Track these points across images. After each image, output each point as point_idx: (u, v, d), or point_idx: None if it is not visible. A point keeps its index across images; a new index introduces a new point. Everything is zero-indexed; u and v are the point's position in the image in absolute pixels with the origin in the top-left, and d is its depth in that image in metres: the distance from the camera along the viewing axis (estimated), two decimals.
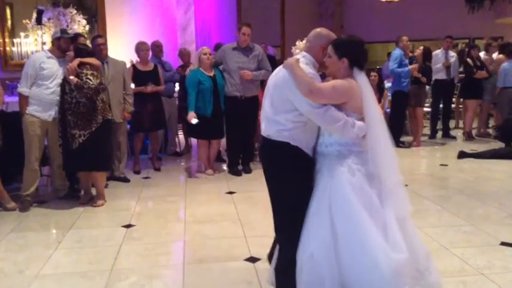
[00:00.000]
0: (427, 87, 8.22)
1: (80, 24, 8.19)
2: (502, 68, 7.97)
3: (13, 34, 8.29)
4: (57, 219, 4.59)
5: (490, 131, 8.75)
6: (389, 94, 7.93)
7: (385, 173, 2.62)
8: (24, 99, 4.81)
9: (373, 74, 7.11)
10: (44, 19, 7.78)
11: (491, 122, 9.11)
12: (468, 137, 8.27)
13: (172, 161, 7.08)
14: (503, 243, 3.74)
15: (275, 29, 10.85)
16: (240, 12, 10.30)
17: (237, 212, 4.65)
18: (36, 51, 7.54)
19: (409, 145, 7.73)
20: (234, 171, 6.12)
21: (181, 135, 7.70)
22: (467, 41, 12.48)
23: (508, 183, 5.57)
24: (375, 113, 2.67)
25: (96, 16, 8.74)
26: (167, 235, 4.15)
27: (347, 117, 2.60)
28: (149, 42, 6.53)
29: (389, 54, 9.38)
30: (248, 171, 6.18)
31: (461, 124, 9.21)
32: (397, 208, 2.61)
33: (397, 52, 7.57)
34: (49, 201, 5.11)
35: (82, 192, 5.18)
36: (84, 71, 4.66)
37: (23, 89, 4.81)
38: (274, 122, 2.70)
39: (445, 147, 7.87)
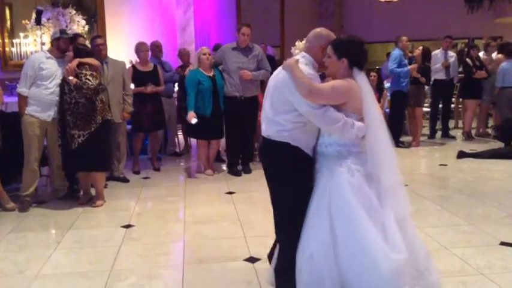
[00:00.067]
0: (426, 87, 8.23)
1: (79, 25, 8.18)
2: (500, 67, 7.97)
3: (12, 34, 8.29)
4: (57, 219, 4.59)
5: (490, 130, 8.76)
6: (388, 94, 7.94)
7: (385, 173, 2.62)
8: (23, 100, 4.80)
9: (372, 74, 7.12)
10: (43, 19, 7.77)
11: (491, 122, 9.11)
12: (467, 136, 8.28)
13: (172, 161, 7.08)
14: (503, 243, 3.74)
15: (275, 29, 10.85)
16: (239, 13, 10.29)
17: (237, 212, 4.65)
18: (36, 52, 7.53)
19: (408, 145, 7.73)
20: (233, 171, 6.12)
21: (180, 136, 7.70)
22: (466, 41, 12.49)
23: (508, 183, 5.57)
24: (375, 113, 2.67)
25: (95, 16, 8.73)
26: (167, 235, 4.14)
27: (346, 117, 2.60)
28: (148, 43, 6.53)
29: (388, 54, 9.38)
30: (248, 171, 6.18)
31: (460, 124, 9.22)
32: (397, 208, 2.61)
33: (396, 52, 7.57)
34: (48, 201, 5.11)
35: (81, 192, 5.17)
36: (84, 72, 4.66)
37: (22, 89, 4.80)
38: (274, 122, 2.71)
39: (445, 147, 7.87)
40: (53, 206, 4.94)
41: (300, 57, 2.78)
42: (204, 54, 5.85)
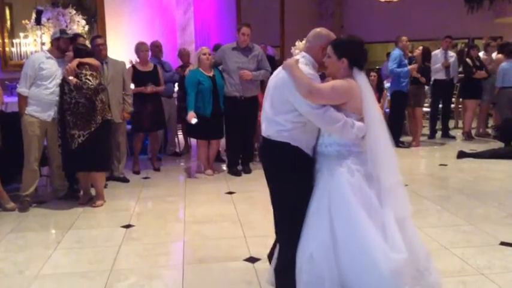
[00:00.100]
0: (426, 87, 8.23)
1: (79, 25, 8.18)
2: (500, 67, 7.97)
3: (12, 34, 8.29)
4: (57, 219, 4.59)
5: (489, 130, 8.76)
6: (388, 94, 7.94)
7: (385, 173, 2.62)
8: (23, 100, 4.80)
9: (372, 74, 7.12)
10: (43, 19, 7.77)
11: (491, 122, 9.11)
12: (467, 136, 8.28)
13: (172, 161, 7.08)
14: (503, 243, 3.74)
15: (275, 29, 10.85)
16: (239, 13, 10.29)
17: (237, 212, 4.65)
18: (36, 52, 7.53)
19: (408, 145, 7.73)
20: (233, 171, 6.12)
21: (180, 136, 7.70)
22: (466, 41, 12.49)
23: (508, 183, 5.57)
24: (375, 113, 2.67)
25: (95, 16, 8.73)
26: (167, 235, 4.14)
27: (346, 117, 2.60)
28: (148, 43, 6.53)
29: (388, 54, 9.38)
30: (248, 171, 6.17)
31: (460, 124, 9.22)
32: (397, 208, 2.61)
33: (396, 52, 7.57)
34: (48, 201, 5.11)
35: (81, 192, 5.17)
36: (84, 72, 4.65)
37: (22, 89, 4.80)
38: (274, 122, 2.70)
39: (445, 147, 7.87)
40: (53, 206, 4.94)
41: (300, 57, 2.77)
42: (204, 54, 5.85)
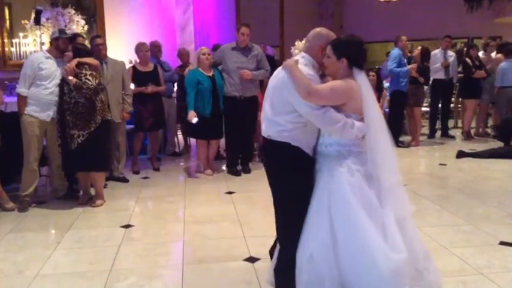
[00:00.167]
0: (425, 87, 8.23)
1: (78, 25, 8.18)
2: (499, 67, 7.98)
3: (12, 34, 8.28)
4: (56, 219, 4.58)
5: (489, 130, 8.76)
6: (387, 94, 7.94)
7: (385, 173, 2.62)
8: (22, 100, 4.80)
9: (371, 73, 7.11)
10: (43, 19, 7.76)
11: (490, 122, 9.12)
12: (467, 136, 8.28)
13: (171, 161, 7.08)
14: (502, 243, 3.74)
15: (274, 29, 10.85)
16: (238, 12, 10.30)
17: (236, 212, 4.65)
18: (35, 52, 7.53)
19: (407, 145, 7.73)
20: (233, 171, 6.12)
21: (180, 136, 7.69)
22: (466, 40, 12.49)
23: (507, 182, 5.58)
24: (375, 113, 2.66)
25: (94, 16, 8.73)
26: (166, 235, 4.14)
27: (346, 118, 2.60)
28: (148, 42, 6.52)
29: (388, 54, 9.38)
30: (247, 171, 6.17)
31: (460, 124, 9.24)
32: (397, 208, 2.61)
33: (395, 52, 7.57)
34: (48, 201, 5.11)
35: (81, 192, 5.17)
36: (83, 72, 4.65)
37: (21, 89, 4.80)
38: (274, 123, 2.70)
39: (444, 146, 7.87)
40: (53, 206, 4.94)
41: (300, 57, 2.77)
42: (204, 54, 5.85)
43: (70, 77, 4.58)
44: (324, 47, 2.71)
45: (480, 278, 3.18)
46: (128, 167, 6.25)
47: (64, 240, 4.04)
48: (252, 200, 5.03)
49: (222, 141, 6.49)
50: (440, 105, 8.52)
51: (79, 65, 4.65)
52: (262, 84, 6.19)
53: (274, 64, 6.34)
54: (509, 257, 3.50)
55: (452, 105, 9.21)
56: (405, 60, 7.60)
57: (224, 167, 6.43)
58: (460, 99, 8.89)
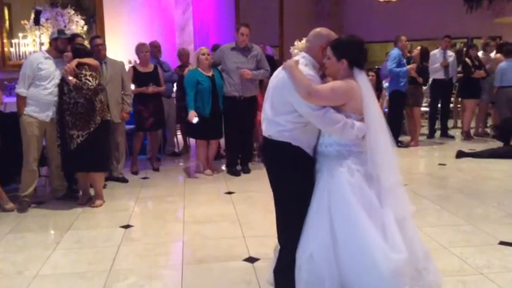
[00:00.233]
0: (424, 87, 8.23)
1: (78, 25, 8.19)
2: (499, 67, 7.98)
3: (11, 35, 8.28)
4: (56, 219, 4.58)
5: (488, 130, 8.77)
6: (386, 94, 7.95)
7: (385, 173, 2.62)
8: (22, 100, 4.79)
9: (371, 74, 7.11)
10: (42, 19, 7.77)
11: (490, 122, 9.12)
12: (466, 136, 8.28)
13: (171, 161, 7.08)
14: (502, 243, 3.74)
15: (273, 29, 10.85)
16: (238, 13, 10.30)
17: (236, 212, 4.65)
18: (34, 52, 7.53)
19: (407, 145, 7.73)
20: (232, 171, 6.12)
21: (179, 136, 7.69)
22: (465, 40, 12.49)
23: (507, 182, 5.58)
24: (375, 113, 2.66)
25: (94, 16, 8.73)
26: (166, 235, 4.14)
27: (346, 118, 2.60)
28: (147, 43, 6.52)
29: (387, 54, 9.38)
30: (247, 171, 6.17)
31: (459, 124, 9.24)
32: (397, 208, 2.61)
33: (395, 52, 7.57)
34: (47, 201, 5.10)
35: (80, 192, 5.17)
36: (83, 72, 4.64)
37: (20, 89, 4.79)
38: (274, 123, 2.70)
39: (444, 146, 7.87)
40: (52, 207, 4.93)
41: (300, 57, 2.76)
42: (203, 54, 5.85)
43: (70, 78, 4.58)
44: (325, 47, 2.70)
45: (480, 277, 3.17)
46: (128, 167, 6.24)
47: (63, 240, 4.03)
48: (252, 200, 5.03)
49: (222, 140, 6.49)
50: (439, 105, 8.52)
51: (79, 66, 4.65)
52: (262, 84, 6.20)
53: (273, 64, 6.35)
54: (508, 256, 3.50)
55: (451, 105, 9.21)
56: (404, 60, 7.60)
57: (224, 167, 6.43)
58: (460, 99, 8.88)
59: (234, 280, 3.23)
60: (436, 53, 8.44)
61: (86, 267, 3.50)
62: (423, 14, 12.20)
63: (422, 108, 8.59)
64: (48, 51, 5.01)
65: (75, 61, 4.65)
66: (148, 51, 6.27)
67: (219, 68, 6.04)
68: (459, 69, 8.55)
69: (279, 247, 2.88)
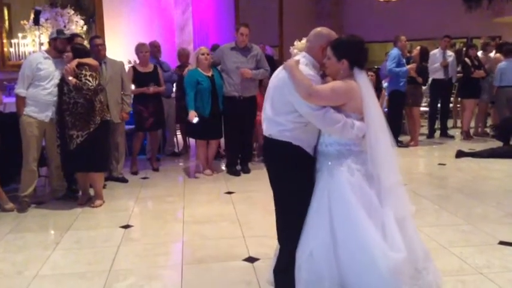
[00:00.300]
0: (423, 87, 8.24)
1: (77, 25, 8.19)
2: (498, 67, 7.98)
3: (11, 35, 8.27)
4: (56, 220, 4.58)
5: (488, 130, 8.77)
6: (386, 94, 7.95)
7: (385, 172, 2.62)
8: (21, 100, 4.79)
9: (370, 73, 7.11)
10: (42, 20, 7.77)
11: (489, 121, 9.12)
12: (466, 136, 8.28)
13: (171, 161, 7.08)
14: (501, 242, 3.74)
15: (273, 29, 10.86)
16: (237, 13, 10.30)
17: (236, 212, 4.65)
18: (34, 52, 7.52)
19: (406, 144, 7.73)
20: (232, 171, 6.12)
21: (179, 136, 7.69)
22: (465, 40, 12.50)
23: (506, 182, 5.58)
24: (375, 113, 2.65)
25: (93, 16, 8.73)
26: (166, 235, 4.14)
27: (346, 118, 2.60)
28: (147, 42, 6.52)
29: (387, 53, 9.38)
30: (247, 171, 6.17)
31: (459, 123, 9.24)
32: (397, 208, 2.61)
33: (394, 52, 7.57)
34: (47, 202, 5.10)
35: (80, 192, 5.17)
36: (83, 72, 4.64)
37: (20, 90, 4.79)
38: (275, 122, 2.70)
39: (443, 146, 7.88)
40: (52, 207, 4.93)
41: (301, 57, 2.75)
42: (203, 54, 5.85)
43: (70, 78, 4.57)
44: (325, 47, 2.69)
45: (479, 277, 3.18)
46: (127, 167, 6.24)
47: (63, 240, 4.03)
48: (252, 200, 5.03)
49: (222, 140, 6.49)
50: (439, 105, 8.53)
51: (79, 66, 4.64)
52: (262, 84, 6.20)
53: (273, 64, 6.36)
54: (508, 256, 3.50)
55: (451, 105, 9.21)
56: (404, 60, 7.60)
57: (223, 167, 6.43)
58: (459, 98, 8.89)
59: (233, 280, 3.23)
60: (435, 52, 8.44)
61: (86, 268, 3.49)
62: (423, 14, 12.20)
63: (422, 108, 8.60)
64: (47, 51, 5.01)
65: (76, 61, 4.64)
66: (148, 51, 6.27)
67: (219, 68, 6.04)
68: (459, 69, 8.54)
69: (279, 247, 2.89)
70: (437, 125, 8.63)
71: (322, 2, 13.21)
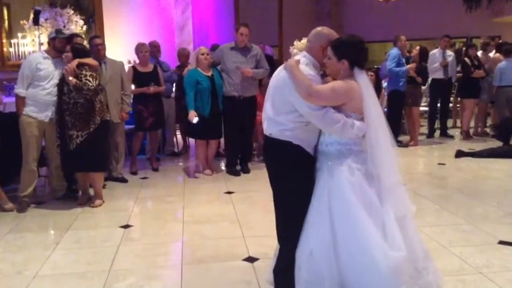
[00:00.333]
0: (423, 87, 8.24)
1: (77, 25, 8.19)
2: (498, 67, 7.99)
3: (10, 35, 8.27)
4: (55, 220, 4.58)
5: (488, 129, 8.77)
6: (385, 93, 7.95)
7: (385, 172, 2.62)
8: (20, 100, 4.79)
9: (370, 73, 7.11)
10: (41, 20, 7.76)
11: (489, 121, 9.12)
12: (466, 136, 8.29)
13: (170, 161, 7.07)
14: (501, 242, 3.75)
15: (273, 29, 10.86)
16: (237, 12, 10.30)
17: (236, 212, 4.65)
18: (33, 52, 7.52)
19: (406, 144, 7.74)
20: (232, 171, 6.12)
21: (179, 136, 7.69)
22: (464, 40, 12.49)
23: (506, 182, 5.58)
24: (375, 113, 2.65)
25: (93, 16, 8.73)
26: (165, 235, 4.14)
27: (346, 117, 2.59)
28: (146, 42, 6.52)
29: (386, 53, 9.38)
30: (246, 171, 6.17)
31: (458, 123, 9.25)
32: (397, 207, 2.61)
33: (394, 51, 7.58)
34: (47, 202, 5.10)
35: (80, 192, 5.16)
36: (84, 72, 4.63)
37: (19, 90, 4.79)
38: (275, 122, 2.70)
39: (443, 146, 7.88)
40: (52, 207, 4.93)
41: (301, 57, 2.75)
42: (203, 54, 5.84)
43: (70, 78, 4.57)
44: (325, 47, 2.68)
45: (479, 277, 3.18)
46: (127, 167, 6.24)
47: (63, 240, 4.03)
48: (251, 200, 5.02)
49: (222, 140, 6.49)
50: (439, 104, 8.53)
51: (79, 66, 4.64)
52: (262, 84, 6.20)
53: (273, 64, 6.36)
54: (508, 256, 3.50)
55: (451, 104, 9.21)
56: (404, 60, 7.60)
57: (223, 167, 6.42)
58: (459, 98, 8.89)
59: (233, 280, 3.23)
60: (435, 52, 8.44)
61: (86, 268, 3.49)
62: (422, 14, 12.20)
63: (422, 108, 8.60)
64: (47, 51, 5.00)
65: (76, 61, 4.64)
66: (148, 51, 6.27)
67: (219, 67, 6.04)
68: (458, 68, 8.54)
69: (279, 247, 2.89)
70: (437, 124, 8.63)
71: (322, 2, 13.22)
